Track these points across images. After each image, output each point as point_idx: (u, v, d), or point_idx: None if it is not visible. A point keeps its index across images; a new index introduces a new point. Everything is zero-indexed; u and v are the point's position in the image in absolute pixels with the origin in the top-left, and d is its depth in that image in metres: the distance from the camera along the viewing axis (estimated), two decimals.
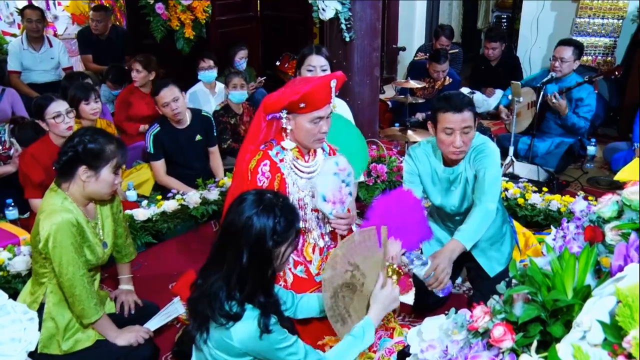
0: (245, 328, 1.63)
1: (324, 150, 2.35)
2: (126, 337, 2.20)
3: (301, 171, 2.21)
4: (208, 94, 4.77)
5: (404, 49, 6.85)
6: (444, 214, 2.67)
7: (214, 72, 4.68)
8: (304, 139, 2.15)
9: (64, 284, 2.07)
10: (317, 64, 2.86)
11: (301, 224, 2.27)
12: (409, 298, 2.02)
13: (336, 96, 3.17)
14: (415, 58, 6.01)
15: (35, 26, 5.01)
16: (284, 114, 2.10)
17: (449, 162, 2.48)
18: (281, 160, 2.17)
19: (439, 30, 6.00)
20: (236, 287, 1.64)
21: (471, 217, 2.31)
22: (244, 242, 1.62)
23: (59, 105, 3.13)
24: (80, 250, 2.10)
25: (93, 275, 2.27)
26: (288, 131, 2.13)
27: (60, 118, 3.10)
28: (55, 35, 6.02)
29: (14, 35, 5.86)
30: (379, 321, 1.96)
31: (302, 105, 2.04)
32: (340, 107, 3.17)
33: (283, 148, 2.18)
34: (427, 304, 2.62)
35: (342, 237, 2.35)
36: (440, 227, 2.73)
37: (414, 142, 4.46)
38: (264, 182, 2.13)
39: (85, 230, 2.13)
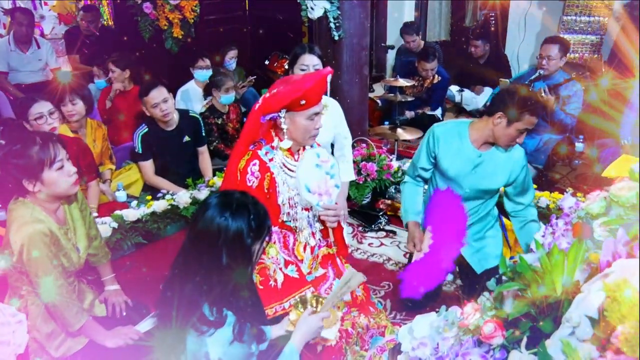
0: (219, 334, 1.62)
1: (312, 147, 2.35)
2: (114, 340, 2.17)
3: (291, 170, 2.21)
4: (200, 92, 4.75)
5: (392, 47, 6.86)
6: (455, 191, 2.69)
7: (210, 72, 4.67)
8: (299, 136, 2.15)
9: (42, 295, 2.02)
10: (310, 62, 2.87)
11: (292, 223, 2.27)
12: (331, 333, 2.02)
13: (330, 97, 3.19)
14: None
15: (25, 31, 4.97)
16: (283, 114, 2.10)
17: (478, 146, 2.58)
18: (271, 160, 2.17)
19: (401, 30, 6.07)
20: (217, 290, 1.62)
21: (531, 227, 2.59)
22: (222, 244, 1.60)
23: (41, 107, 3.08)
24: (57, 260, 2.04)
25: (72, 282, 2.22)
26: (285, 130, 2.13)
27: (42, 119, 3.07)
28: (42, 35, 5.96)
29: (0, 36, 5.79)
30: (302, 346, 1.89)
31: (302, 102, 2.05)
32: (332, 106, 3.17)
33: (272, 147, 2.18)
34: (418, 299, 2.66)
35: (332, 230, 2.37)
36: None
37: (404, 140, 4.48)
38: (253, 182, 2.13)
39: (60, 238, 2.07)
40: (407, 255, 3.29)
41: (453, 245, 2.43)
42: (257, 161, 2.13)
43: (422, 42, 6.07)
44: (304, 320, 1.88)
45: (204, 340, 1.62)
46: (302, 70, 2.87)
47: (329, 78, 2.14)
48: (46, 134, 2.13)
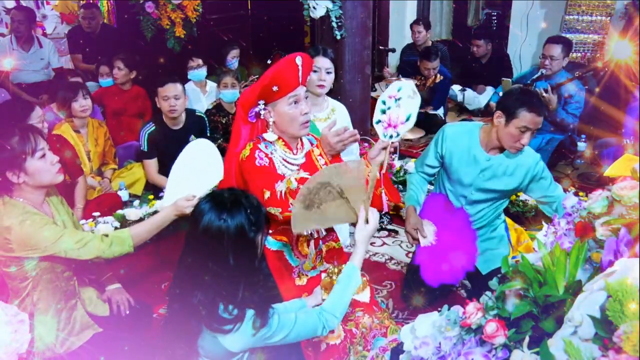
0: (239, 331, 1.63)
1: (312, 143, 2.33)
2: (175, 209, 2.27)
3: (290, 164, 2.20)
4: (199, 92, 4.76)
5: (393, 50, 6.78)
6: (460, 193, 2.67)
7: (202, 71, 4.68)
8: (289, 126, 2.11)
9: (76, 259, 1.98)
10: (322, 65, 2.87)
11: None
12: (366, 296, 2.03)
13: (332, 97, 3.18)
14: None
15: (17, 27, 4.97)
16: (261, 105, 2.09)
17: (487, 150, 2.55)
18: (271, 153, 2.16)
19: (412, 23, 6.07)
20: (231, 289, 1.62)
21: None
22: (227, 245, 1.60)
23: (38, 114, 3.07)
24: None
25: (71, 277, 2.19)
26: (271, 124, 2.12)
27: (42, 124, 3.06)
28: (44, 34, 5.97)
29: (2, 35, 5.80)
30: (362, 261, 1.95)
31: (275, 88, 2.02)
32: (339, 110, 3.17)
33: (271, 142, 2.17)
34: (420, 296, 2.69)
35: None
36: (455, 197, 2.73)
37: (406, 140, 4.49)
38: (265, 161, 2.10)
39: None
40: (410, 255, 3.29)
41: (467, 247, 2.46)
42: (260, 151, 2.13)
43: (429, 38, 6.02)
44: (360, 233, 1.89)
45: (223, 339, 1.63)
46: (314, 72, 2.87)
47: (298, 61, 2.03)
48: (24, 125, 2.11)
